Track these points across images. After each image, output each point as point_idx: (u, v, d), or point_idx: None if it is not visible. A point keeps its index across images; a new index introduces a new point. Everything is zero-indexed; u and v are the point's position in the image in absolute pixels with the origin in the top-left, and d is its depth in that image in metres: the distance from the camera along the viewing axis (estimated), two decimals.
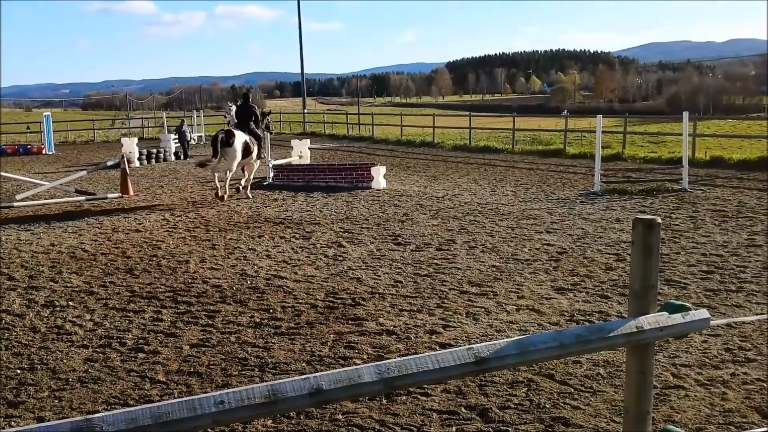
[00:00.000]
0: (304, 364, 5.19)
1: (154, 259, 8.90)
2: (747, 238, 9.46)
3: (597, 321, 6.00)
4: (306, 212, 12.46)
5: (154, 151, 25.01)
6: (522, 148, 25.18)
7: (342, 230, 10.59)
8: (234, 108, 26.22)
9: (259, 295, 7.12)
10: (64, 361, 5.37)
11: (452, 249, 9.10)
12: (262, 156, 15.45)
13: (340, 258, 8.74)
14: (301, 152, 19.81)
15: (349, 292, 7.16)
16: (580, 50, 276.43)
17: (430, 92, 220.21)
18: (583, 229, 10.33)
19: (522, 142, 27.58)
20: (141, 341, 5.79)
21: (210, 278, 7.83)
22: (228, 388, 3.55)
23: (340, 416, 4.30)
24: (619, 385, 4.53)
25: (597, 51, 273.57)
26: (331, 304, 6.73)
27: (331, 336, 5.82)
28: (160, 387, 4.86)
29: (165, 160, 24.98)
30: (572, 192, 14.53)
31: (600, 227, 10.43)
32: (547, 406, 4.39)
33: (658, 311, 2.60)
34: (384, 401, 4.50)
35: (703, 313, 2.69)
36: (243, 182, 14.66)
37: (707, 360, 5.09)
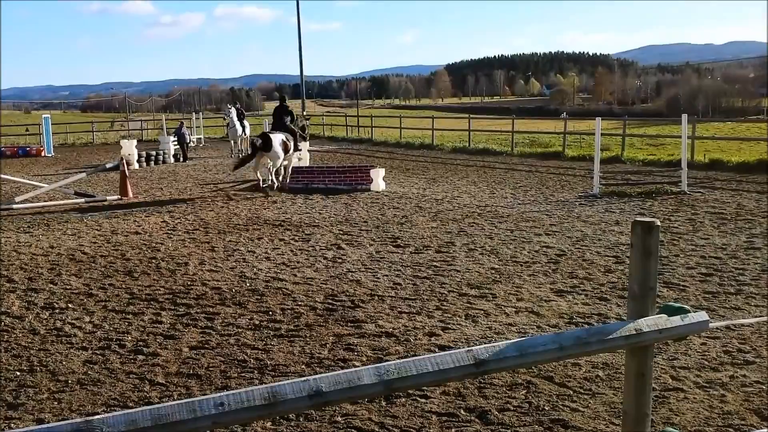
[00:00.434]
0: (303, 366, 5.19)
1: (154, 261, 8.90)
2: (746, 240, 9.47)
3: (596, 323, 6.00)
4: (305, 214, 12.46)
5: (154, 153, 25.01)
6: (521, 151, 25.22)
7: (341, 232, 10.60)
8: (234, 111, 26.42)
9: (259, 297, 7.12)
10: (64, 363, 5.37)
11: (451, 251, 9.11)
12: (299, 149, 16.78)
13: (340, 260, 8.74)
14: (300, 154, 19.81)
15: (348, 294, 7.17)
16: (579, 52, 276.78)
17: (430, 94, 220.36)
18: (582, 231, 10.33)
19: (521, 145, 27.61)
20: (140, 343, 5.79)
21: (209, 280, 7.83)
22: (227, 390, 3.55)
23: (339, 418, 4.30)
24: (618, 388, 4.54)
25: (596, 53, 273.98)
26: (330, 307, 6.73)
27: (331, 338, 5.83)
28: (159, 389, 4.86)
29: (164, 162, 24.98)
30: (571, 194, 14.54)
31: (599, 230, 10.44)
32: (547, 408, 4.40)
33: (657, 313, 2.60)
34: (383, 403, 4.50)
35: (702, 316, 2.69)
36: (281, 177, 16.06)
37: (706, 362, 5.10)
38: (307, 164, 19.45)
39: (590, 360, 5.08)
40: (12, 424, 4.32)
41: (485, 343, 3.21)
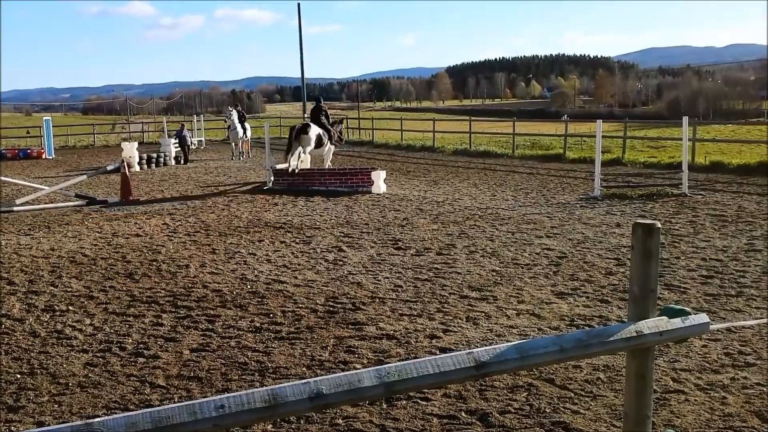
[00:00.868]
0: (304, 369, 5.19)
1: (154, 263, 8.90)
2: (746, 242, 9.46)
3: (597, 325, 6.00)
4: (306, 217, 12.46)
5: (155, 155, 25.03)
6: (522, 153, 25.22)
7: (342, 235, 10.60)
8: (235, 113, 26.46)
9: (260, 299, 7.12)
10: (64, 365, 5.37)
11: (452, 253, 9.10)
12: (334, 143, 18.69)
13: (341, 262, 8.74)
14: (302, 157, 19.81)
15: (349, 296, 7.16)
16: (580, 55, 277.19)
17: (431, 96, 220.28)
18: (583, 233, 10.33)
19: (522, 147, 27.61)
20: (141, 346, 5.79)
21: (210, 283, 7.83)
22: (228, 392, 3.55)
23: (340, 421, 4.30)
24: (619, 390, 4.53)
25: (597, 56, 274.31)
26: (331, 309, 6.73)
27: (332, 340, 5.82)
28: (160, 391, 4.85)
29: (165, 164, 24.99)
30: (572, 196, 14.53)
31: (600, 232, 10.43)
32: (548, 410, 4.39)
33: (657, 316, 2.60)
34: (384, 406, 4.50)
35: (703, 318, 2.69)
36: (327, 163, 18.50)
37: (707, 364, 5.09)
38: (308, 166, 19.47)
39: (591, 362, 5.08)
40: (12, 427, 4.32)
41: (486, 346, 3.21)
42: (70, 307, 6.96)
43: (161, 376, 5.11)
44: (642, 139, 29.41)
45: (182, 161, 25.83)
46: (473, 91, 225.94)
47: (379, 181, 15.84)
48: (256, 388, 2.04)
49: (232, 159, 26.56)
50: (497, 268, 8.24)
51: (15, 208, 13.48)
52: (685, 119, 15.54)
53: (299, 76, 42.19)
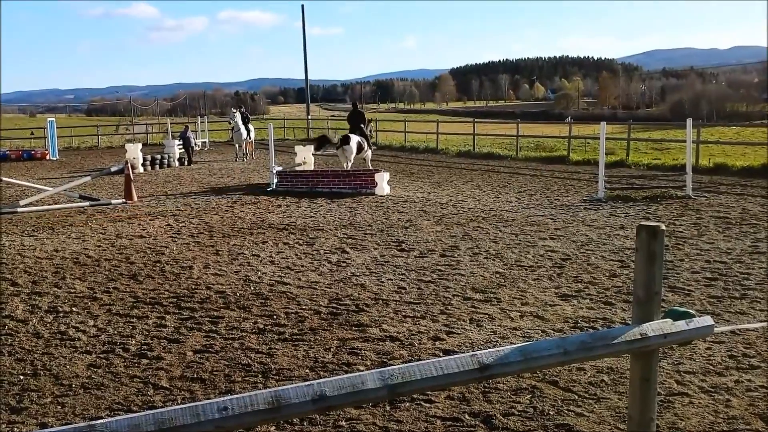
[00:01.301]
0: (307, 371, 5.19)
1: (158, 264, 8.91)
2: (751, 245, 9.44)
3: (601, 328, 5.98)
4: (310, 218, 12.47)
5: (159, 156, 25.06)
6: (526, 155, 25.20)
7: (346, 236, 10.60)
8: (239, 114, 26.50)
9: (263, 301, 7.12)
10: (68, 366, 5.38)
11: (456, 255, 9.10)
12: (371, 148, 19.99)
13: (344, 264, 8.74)
14: (305, 158, 19.86)
15: (352, 298, 7.16)
16: (584, 57, 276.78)
17: (434, 98, 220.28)
18: (587, 235, 10.31)
19: (526, 149, 27.59)
20: (144, 347, 5.79)
21: (213, 284, 7.84)
22: (231, 394, 3.54)
23: (343, 423, 4.30)
24: (623, 392, 4.52)
25: (600, 58, 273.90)
26: (334, 311, 6.73)
27: (335, 342, 5.82)
28: (163, 393, 4.86)
29: (169, 166, 25.01)
30: (576, 198, 14.52)
31: (604, 234, 10.42)
32: (551, 412, 4.38)
33: (661, 318, 2.60)
34: (387, 408, 4.49)
35: (707, 320, 2.68)
36: (368, 164, 19.45)
37: (711, 367, 5.08)
38: (312, 168, 19.48)
39: (595, 365, 5.07)
40: (15, 429, 4.33)
41: (490, 348, 3.21)
42: (74, 309, 6.97)
43: (164, 378, 5.11)
44: (646, 141, 29.39)
45: (186, 162, 25.86)
46: (477, 93, 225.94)
47: (383, 182, 15.84)
48: (260, 389, 2.04)
49: (236, 160, 26.57)
50: (501, 270, 8.23)
51: (19, 209, 13.51)
52: (689, 121, 15.51)
53: (303, 77, 42.26)
